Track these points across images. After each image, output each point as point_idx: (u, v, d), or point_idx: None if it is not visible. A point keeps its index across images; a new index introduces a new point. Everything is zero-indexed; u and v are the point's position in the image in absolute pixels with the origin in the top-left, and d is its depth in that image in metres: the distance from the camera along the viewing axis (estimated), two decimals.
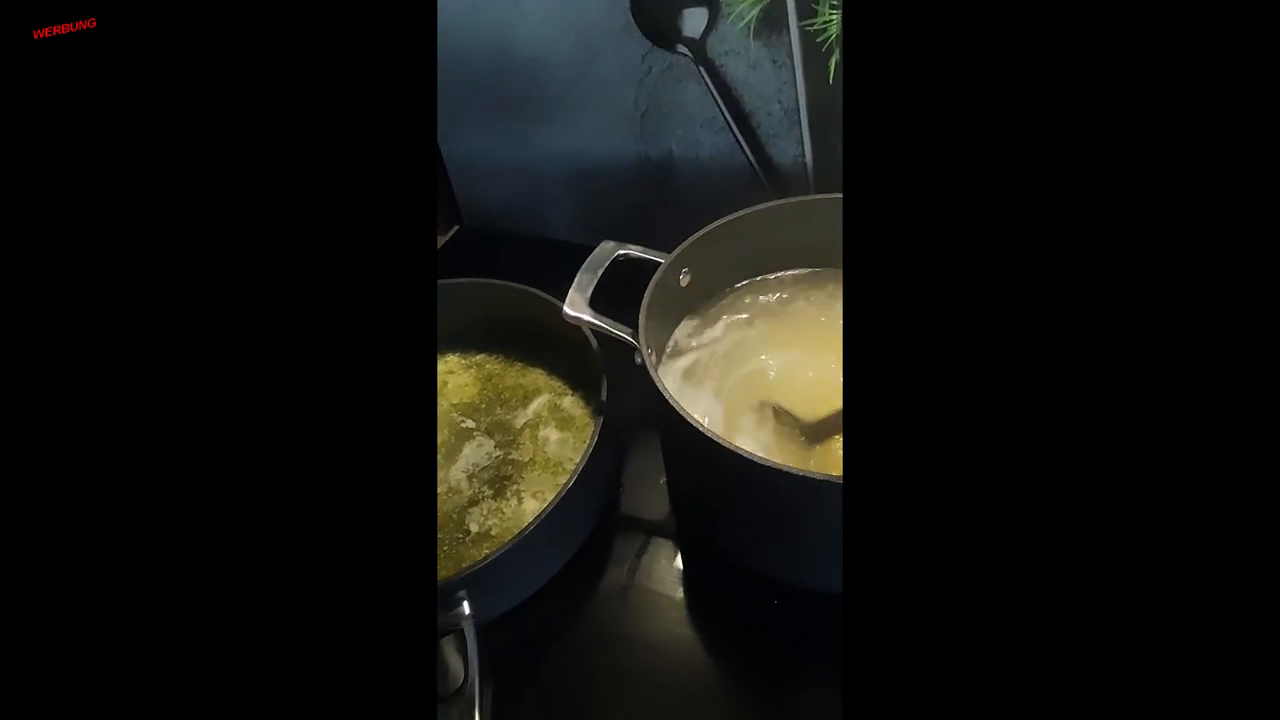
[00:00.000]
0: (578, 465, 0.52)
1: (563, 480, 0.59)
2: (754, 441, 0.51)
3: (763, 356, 0.57)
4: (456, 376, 0.69)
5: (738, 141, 0.67)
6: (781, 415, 0.53)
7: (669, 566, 0.55)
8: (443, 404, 0.66)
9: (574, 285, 0.54)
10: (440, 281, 0.70)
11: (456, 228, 0.89)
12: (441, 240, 0.87)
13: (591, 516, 0.56)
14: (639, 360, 0.50)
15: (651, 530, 0.58)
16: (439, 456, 0.62)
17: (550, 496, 0.58)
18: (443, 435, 0.64)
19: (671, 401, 0.45)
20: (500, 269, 0.68)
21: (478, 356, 0.70)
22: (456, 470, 0.61)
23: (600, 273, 0.55)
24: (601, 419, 0.54)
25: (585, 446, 0.60)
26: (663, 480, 0.60)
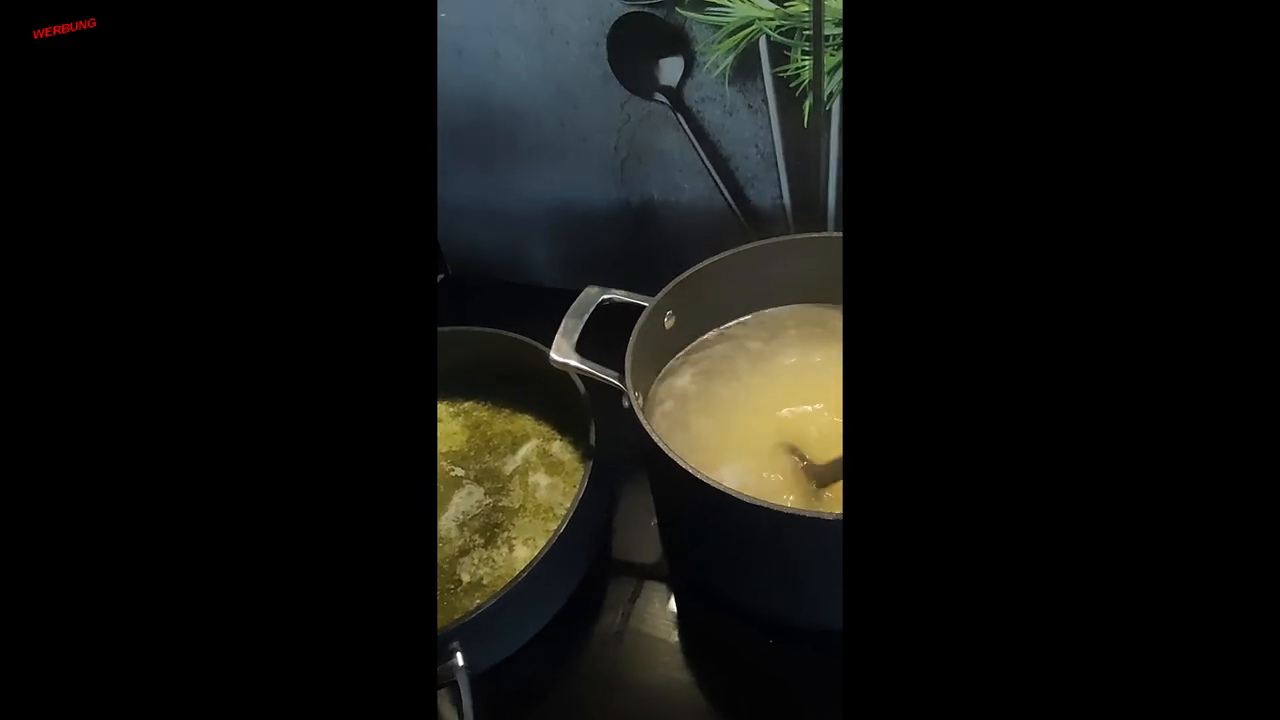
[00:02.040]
0: (568, 511, 0.52)
1: (554, 526, 0.59)
2: (751, 482, 0.52)
3: (752, 398, 0.58)
4: (444, 424, 0.69)
5: (717, 185, 0.68)
6: (794, 453, 0.53)
7: (663, 609, 0.55)
8: None
9: (560, 331, 0.54)
10: None
11: (441, 276, 0.90)
12: None
13: (583, 562, 0.56)
14: (626, 404, 0.50)
15: (644, 573, 0.58)
16: None
17: (542, 543, 0.57)
18: None
19: (659, 443, 0.46)
20: (486, 316, 0.68)
21: (465, 404, 0.70)
22: (447, 519, 0.61)
23: (585, 318, 0.55)
24: (591, 463, 0.55)
25: (575, 491, 0.60)
26: (653, 523, 0.60)
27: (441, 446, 0.67)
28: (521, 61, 0.69)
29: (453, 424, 0.69)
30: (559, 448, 0.65)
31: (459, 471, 0.64)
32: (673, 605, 0.56)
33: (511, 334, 0.65)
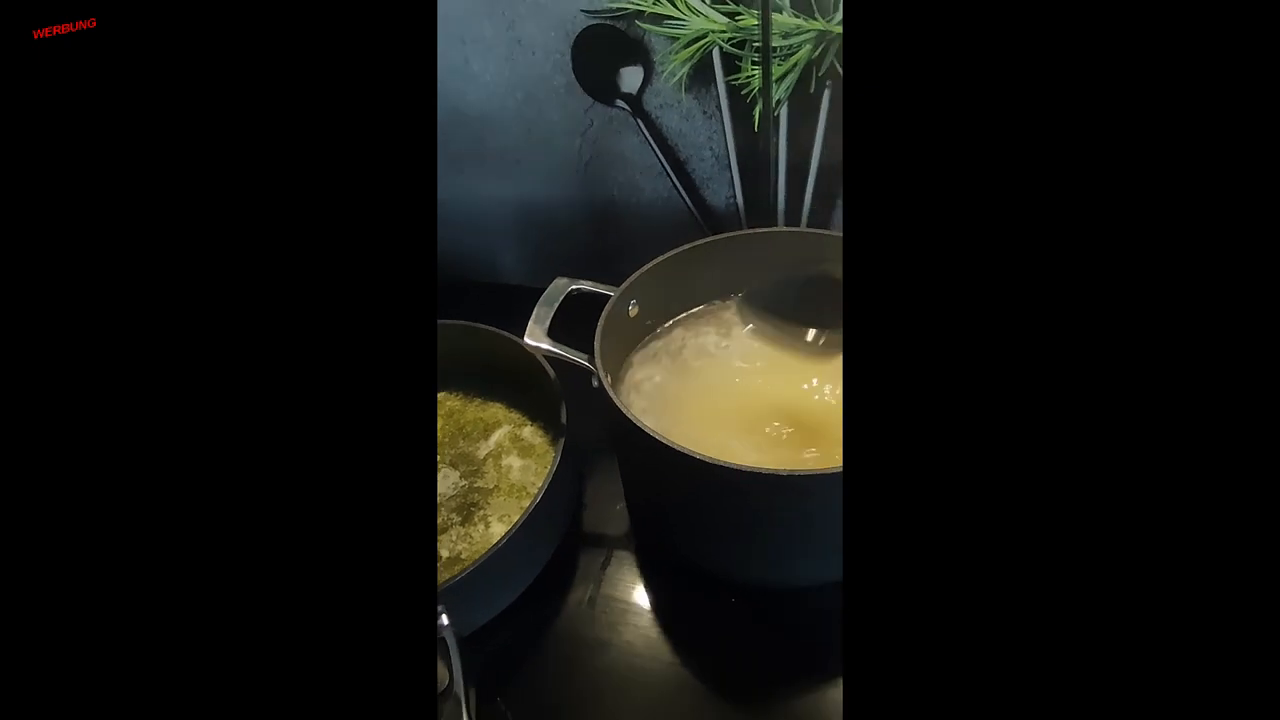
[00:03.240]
0: (543, 484, 0.56)
1: (525, 502, 0.62)
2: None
3: (713, 378, 0.63)
4: None
5: (674, 186, 0.73)
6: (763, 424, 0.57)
7: (631, 576, 0.59)
8: None
9: (532, 318, 0.58)
10: None
11: None
12: None
13: (556, 534, 0.60)
14: (596, 383, 0.54)
15: (613, 545, 0.62)
16: None
17: (515, 517, 0.61)
18: None
19: (626, 412, 0.50)
20: (458, 313, 0.71)
21: (439, 394, 0.73)
22: None
23: (555, 305, 0.60)
24: (563, 441, 0.58)
25: (547, 471, 0.64)
26: (621, 505, 0.64)
27: None
28: (490, 71, 0.74)
29: None
30: (529, 432, 0.68)
31: (435, 457, 0.68)
32: (640, 572, 0.60)
33: (482, 325, 0.69)
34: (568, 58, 0.70)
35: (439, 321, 0.71)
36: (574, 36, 0.69)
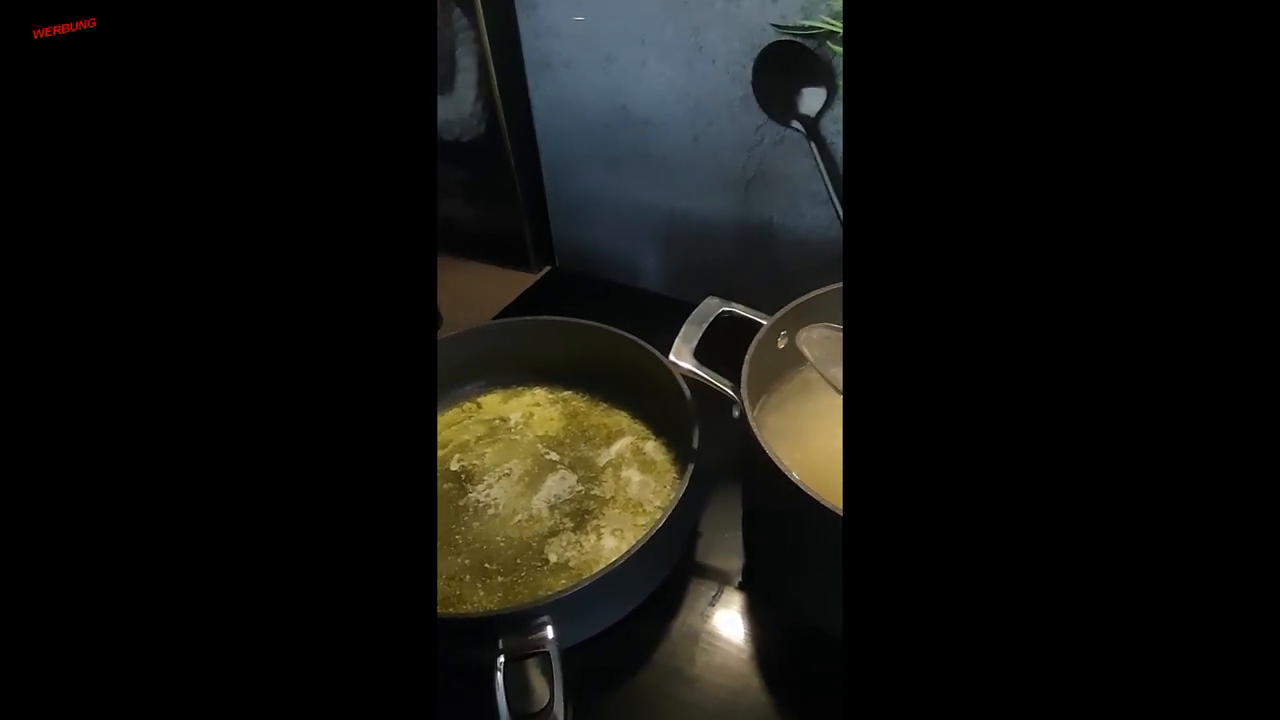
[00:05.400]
0: (666, 510, 0.54)
1: (641, 520, 0.61)
2: None
3: None
4: (543, 409, 0.71)
5: (838, 216, 0.70)
6: None
7: (739, 617, 0.57)
8: (528, 435, 0.69)
9: (680, 335, 0.57)
10: (533, 318, 0.74)
11: (549, 267, 0.93)
12: (534, 277, 0.91)
13: (671, 560, 0.58)
14: (737, 413, 0.52)
15: (725, 580, 0.59)
16: (522, 485, 0.65)
17: (629, 535, 0.60)
18: (526, 464, 0.66)
19: (769, 452, 0.47)
20: (588, 310, 0.71)
21: (564, 392, 0.73)
22: (539, 500, 0.63)
23: (705, 326, 0.58)
24: (692, 466, 0.56)
25: (667, 491, 0.62)
26: (733, 534, 0.62)
27: (539, 431, 0.69)
28: (665, 75, 0.72)
29: (551, 410, 0.71)
30: (652, 447, 0.67)
31: (554, 456, 0.67)
32: (750, 615, 0.57)
33: (619, 331, 0.67)
34: (748, 70, 0.68)
35: (573, 320, 0.70)
36: (759, 50, 0.67)
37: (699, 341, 0.57)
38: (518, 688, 0.47)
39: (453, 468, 0.67)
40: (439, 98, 0.83)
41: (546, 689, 0.45)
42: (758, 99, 0.69)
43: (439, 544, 0.61)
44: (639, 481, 0.64)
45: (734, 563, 0.61)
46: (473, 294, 0.89)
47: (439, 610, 0.56)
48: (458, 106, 0.82)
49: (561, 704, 0.44)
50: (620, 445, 0.67)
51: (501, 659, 0.46)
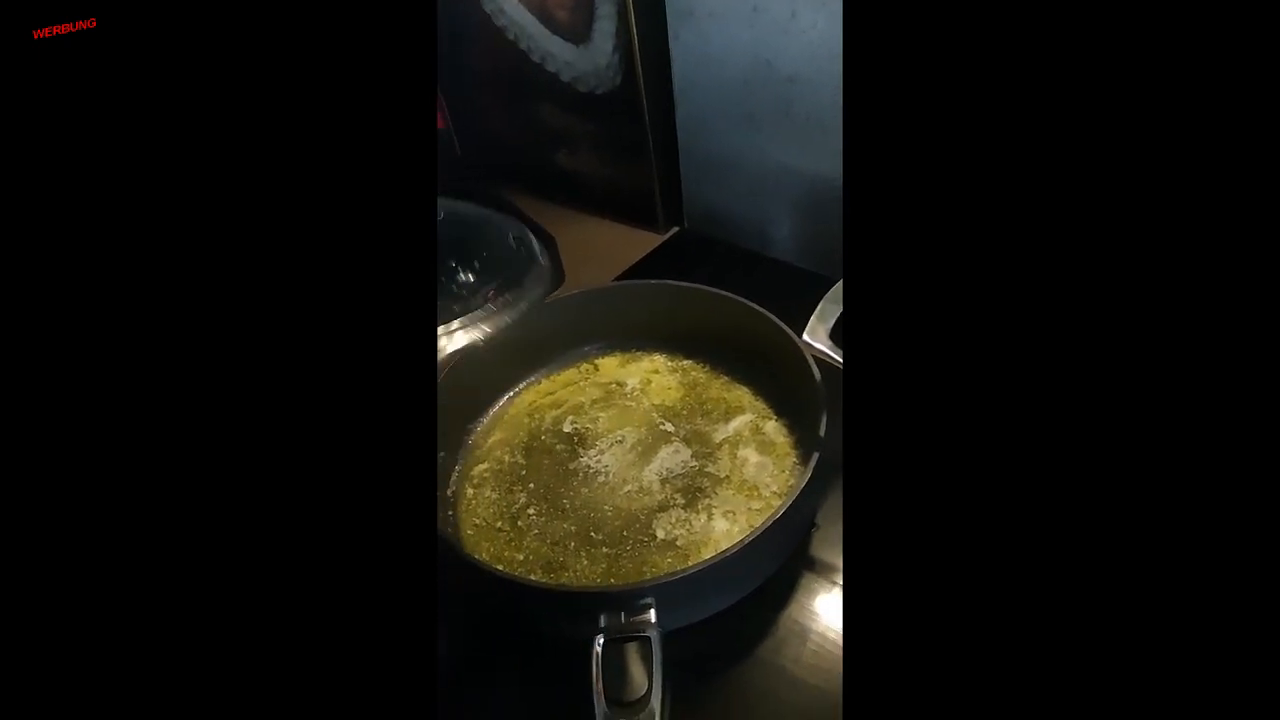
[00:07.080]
0: (787, 496, 0.50)
1: (756, 504, 0.58)
2: None
3: None
4: (661, 378, 0.69)
5: None
6: None
7: None
8: (644, 402, 0.67)
9: (816, 314, 0.52)
10: (659, 281, 0.71)
11: (677, 228, 0.89)
12: (661, 238, 0.88)
13: (786, 550, 0.55)
14: None
15: (838, 579, 0.56)
16: (634, 454, 0.62)
17: (742, 517, 0.57)
18: (640, 433, 0.64)
19: None
20: (715, 277, 0.67)
21: (685, 362, 0.70)
22: (650, 471, 0.61)
23: (843, 305, 0.53)
24: (817, 455, 0.53)
25: (785, 476, 0.59)
26: None
27: (655, 399, 0.67)
28: (818, 29, 0.66)
29: (669, 379, 0.69)
30: (773, 428, 0.63)
31: (669, 427, 0.64)
32: None
33: (749, 302, 0.64)
34: None
35: (700, 287, 0.67)
36: None
37: (835, 321, 0.52)
38: (613, 672, 0.45)
39: (566, 429, 0.65)
40: (576, 47, 0.80)
41: (643, 676, 0.43)
42: None
43: (547, 506, 0.59)
44: (756, 463, 0.61)
45: None
46: (596, 251, 0.87)
47: (543, 576, 0.55)
48: (594, 57, 0.79)
49: (660, 694, 0.42)
50: (739, 422, 0.64)
51: (601, 638, 0.45)
